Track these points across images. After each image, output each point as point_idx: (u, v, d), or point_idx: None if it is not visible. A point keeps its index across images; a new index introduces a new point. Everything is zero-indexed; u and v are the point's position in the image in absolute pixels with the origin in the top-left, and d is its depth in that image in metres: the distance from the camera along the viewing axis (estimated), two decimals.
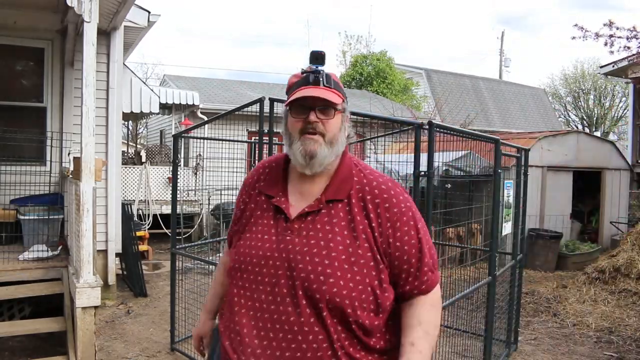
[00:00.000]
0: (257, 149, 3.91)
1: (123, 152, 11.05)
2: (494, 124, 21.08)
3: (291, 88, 1.48)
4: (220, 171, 5.74)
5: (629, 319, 5.48)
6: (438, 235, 5.37)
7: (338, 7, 60.03)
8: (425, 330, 1.41)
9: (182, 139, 6.82)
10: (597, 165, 9.53)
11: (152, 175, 10.53)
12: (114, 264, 5.91)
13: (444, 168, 6.70)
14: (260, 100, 3.82)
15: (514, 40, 55.81)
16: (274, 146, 4.17)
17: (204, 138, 7.30)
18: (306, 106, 1.42)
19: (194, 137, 8.02)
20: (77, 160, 3.91)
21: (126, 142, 18.28)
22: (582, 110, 28.85)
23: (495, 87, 24.46)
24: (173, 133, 5.22)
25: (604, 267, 6.52)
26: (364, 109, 13.71)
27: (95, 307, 3.79)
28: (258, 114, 3.83)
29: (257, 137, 3.91)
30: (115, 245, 5.92)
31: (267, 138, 3.86)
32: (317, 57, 1.48)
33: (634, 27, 7.16)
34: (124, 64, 7.35)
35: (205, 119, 9.19)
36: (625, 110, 24.24)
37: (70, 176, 4.60)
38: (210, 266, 5.01)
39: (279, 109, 3.49)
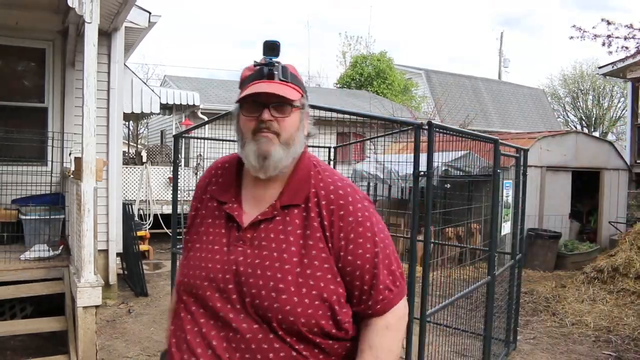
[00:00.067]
0: None
1: (124, 152, 11.05)
2: (493, 124, 21.12)
3: (243, 82, 1.32)
4: None
5: (628, 318, 5.50)
6: (438, 235, 5.39)
7: (338, 8, 60.10)
8: (375, 356, 1.27)
9: (183, 139, 6.81)
10: (595, 166, 9.55)
11: (152, 175, 10.56)
12: (115, 263, 5.93)
13: (444, 168, 6.73)
14: None
15: (513, 40, 55.90)
16: None
17: (204, 138, 7.30)
18: (259, 103, 1.26)
19: (194, 138, 8.02)
20: (78, 161, 3.93)
21: (127, 142, 18.28)
22: (580, 111, 28.89)
23: (494, 88, 24.49)
24: (174, 133, 5.23)
25: (602, 266, 6.54)
26: (363, 109, 13.74)
27: (97, 307, 3.82)
28: None
29: None
30: (116, 245, 5.94)
31: None
32: (272, 48, 1.32)
33: (631, 25, 7.16)
34: (124, 64, 7.37)
35: (206, 119, 9.19)
36: (624, 111, 24.27)
37: (72, 176, 4.62)
38: None
39: None
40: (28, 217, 5.13)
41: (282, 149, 1.27)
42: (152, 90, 9.60)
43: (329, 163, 5.65)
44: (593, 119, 28.25)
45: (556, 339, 5.09)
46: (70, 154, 5.54)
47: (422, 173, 2.86)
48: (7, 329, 4.11)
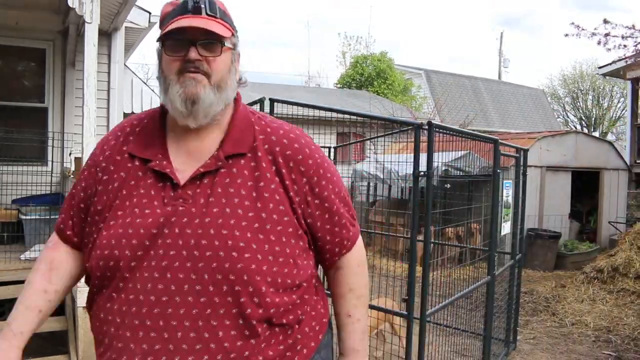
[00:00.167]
0: None
1: None
2: (493, 124, 21.14)
3: (165, 19, 1.16)
4: None
5: (627, 318, 5.51)
6: (438, 235, 5.40)
7: (338, 8, 60.16)
8: (358, 296, 1.29)
9: None
10: (595, 166, 9.56)
11: None
12: None
13: (444, 168, 6.74)
14: (261, 101, 3.84)
15: (513, 40, 55.95)
16: None
17: None
18: (185, 40, 1.11)
19: None
20: (79, 161, 3.94)
21: None
22: (580, 111, 28.89)
23: (494, 88, 24.51)
24: None
25: (602, 266, 6.54)
26: (363, 109, 13.75)
27: None
28: None
29: None
30: None
31: None
32: None
33: (633, 26, 7.17)
34: (125, 64, 7.37)
35: None
36: (624, 111, 24.27)
37: (72, 176, 4.62)
38: None
39: (280, 109, 3.50)
40: (28, 217, 5.13)
41: (212, 92, 1.13)
42: (153, 90, 9.58)
43: None
44: (593, 119, 28.26)
45: (556, 339, 5.09)
46: (70, 154, 5.54)
47: (422, 173, 2.86)
48: None
